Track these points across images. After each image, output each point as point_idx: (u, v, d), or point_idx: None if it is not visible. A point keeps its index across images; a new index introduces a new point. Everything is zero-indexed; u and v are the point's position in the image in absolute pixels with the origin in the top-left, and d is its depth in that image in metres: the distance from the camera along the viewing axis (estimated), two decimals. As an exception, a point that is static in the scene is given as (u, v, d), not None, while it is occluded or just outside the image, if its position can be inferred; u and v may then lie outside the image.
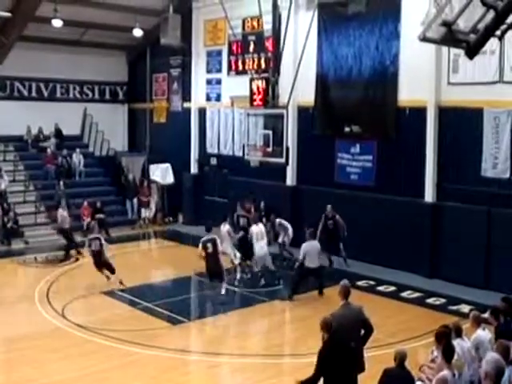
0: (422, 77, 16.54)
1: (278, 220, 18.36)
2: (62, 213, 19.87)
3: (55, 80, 25.79)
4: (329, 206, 17.65)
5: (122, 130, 28.01)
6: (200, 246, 14.72)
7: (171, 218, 24.93)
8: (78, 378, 10.58)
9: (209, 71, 23.72)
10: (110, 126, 26.63)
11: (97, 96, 27.26)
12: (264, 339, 13.16)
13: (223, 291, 14.78)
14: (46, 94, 25.81)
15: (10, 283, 17.37)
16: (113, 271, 15.88)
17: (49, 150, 24.40)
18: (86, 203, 22.08)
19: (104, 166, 26.01)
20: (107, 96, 27.61)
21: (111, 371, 10.85)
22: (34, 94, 25.52)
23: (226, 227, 16.54)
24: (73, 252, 19.17)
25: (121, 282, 15.71)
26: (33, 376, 10.63)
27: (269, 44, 18.80)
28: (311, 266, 14.76)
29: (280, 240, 18.26)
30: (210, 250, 14.61)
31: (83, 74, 26.04)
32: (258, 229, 16.16)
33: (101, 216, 22.31)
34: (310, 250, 14.79)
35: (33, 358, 11.37)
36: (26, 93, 25.32)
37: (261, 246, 15.93)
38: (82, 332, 12.69)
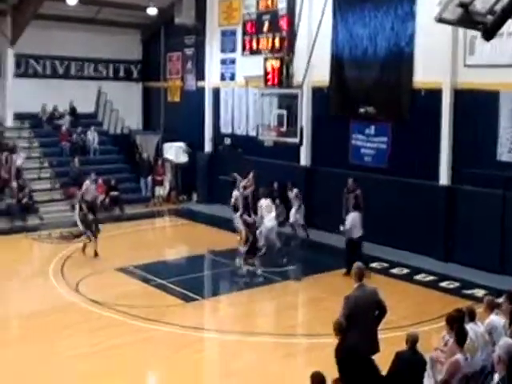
0: (437, 58, 16.35)
1: (295, 190, 18.46)
2: (89, 185, 18.39)
3: (70, 58, 25.74)
4: (350, 180, 17.46)
5: (137, 109, 27.96)
6: (240, 221, 16.88)
7: (185, 197, 24.99)
8: (90, 354, 10.61)
9: (223, 51, 23.59)
10: (125, 105, 26.59)
11: (111, 74, 27.21)
12: (277, 319, 13.26)
13: (259, 271, 15.34)
14: (60, 71, 25.78)
15: (25, 258, 17.56)
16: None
17: (63, 128, 24.45)
18: (100, 180, 22.11)
19: (118, 143, 26.02)
20: (121, 74, 27.56)
21: (124, 347, 10.92)
22: (48, 71, 25.49)
23: (235, 193, 17.45)
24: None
25: (95, 254, 16.54)
26: (44, 352, 10.70)
27: (283, 23, 18.69)
28: (356, 236, 15.31)
29: (292, 219, 18.23)
30: (249, 220, 16.52)
31: (98, 52, 25.96)
32: (266, 202, 16.68)
33: (115, 193, 22.47)
34: (356, 221, 15.35)
35: (45, 334, 11.46)
36: (40, 71, 25.30)
37: (269, 219, 16.39)
38: (96, 307, 12.83)
